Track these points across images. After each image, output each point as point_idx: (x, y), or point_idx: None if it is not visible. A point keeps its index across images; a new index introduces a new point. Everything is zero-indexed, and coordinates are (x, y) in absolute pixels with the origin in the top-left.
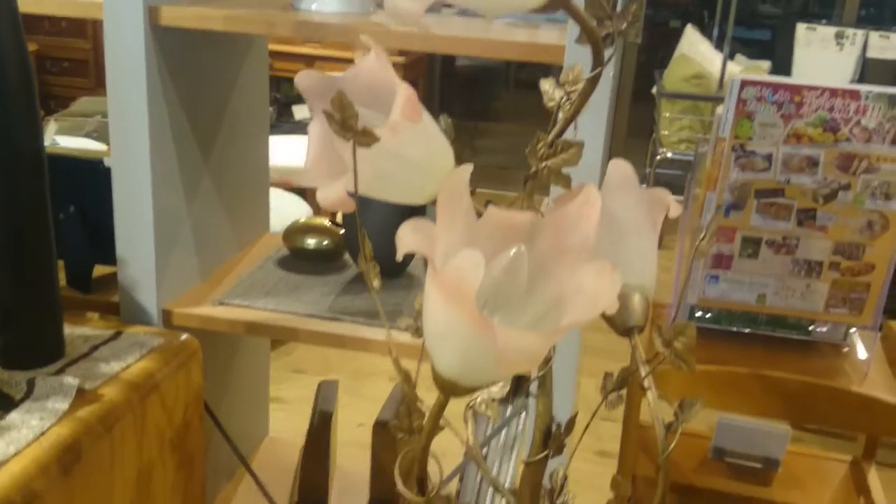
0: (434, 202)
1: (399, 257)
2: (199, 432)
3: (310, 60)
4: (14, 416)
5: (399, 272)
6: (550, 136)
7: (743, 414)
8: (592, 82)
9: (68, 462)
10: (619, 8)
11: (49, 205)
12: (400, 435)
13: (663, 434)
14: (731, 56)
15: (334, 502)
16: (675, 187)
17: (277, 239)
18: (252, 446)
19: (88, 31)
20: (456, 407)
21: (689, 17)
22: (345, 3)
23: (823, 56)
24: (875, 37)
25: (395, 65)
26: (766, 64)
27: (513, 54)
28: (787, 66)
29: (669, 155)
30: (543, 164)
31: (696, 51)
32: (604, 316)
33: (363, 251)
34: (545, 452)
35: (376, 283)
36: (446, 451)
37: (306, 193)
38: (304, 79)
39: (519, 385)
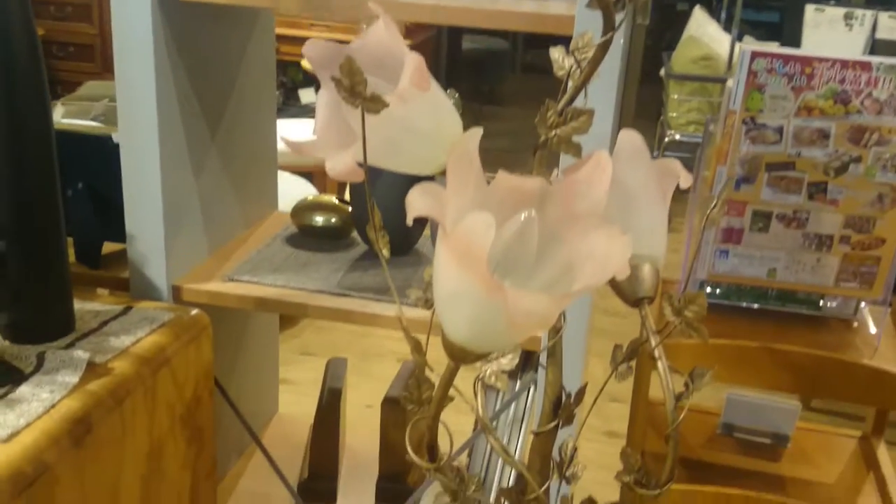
0: (442, 174)
1: (409, 221)
2: (210, 407)
3: None
4: (24, 389)
5: (407, 249)
6: (560, 104)
7: (753, 388)
8: (603, 48)
9: (79, 434)
10: None
11: (58, 181)
12: (410, 406)
13: (673, 403)
14: (739, 38)
15: (344, 480)
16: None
17: (286, 217)
18: (262, 423)
19: (94, 15)
20: (465, 386)
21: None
22: None
23: (832, 37)
24: (884, 17)
25: None
26: (774, 46)
27: (521, 25)
28: (795, 48)
29: (678, 137)
30: (553, 132)
31: (705, 32)
32: (614, 287)
33: (373, 220)
34: (555, 422)
35: (386, 251)
36: (455, 432)
37: (314, 177)
38: (312, 48)
39: (528, 360)
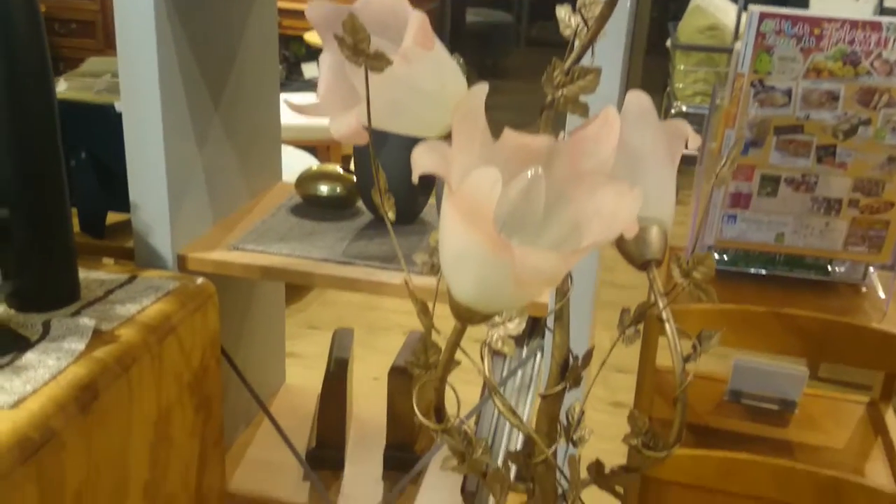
0: (447, 135)
1: (415, 178)
2: (217, 376)
3: None
4: (30, 356)
5: (412, 218)
6: (567, 63)
7: (761, 352)
8: (610, 5)
9: (86, 401)
10: None
11: (61, 150)
12: (417, 371)
13: (681, 365)
14: (745, 7)
15: (351, 449)
16: None
17: (290, 187)
18: (269, 393)
19: None
20: (472, 355)
21: None
22: None
23: (839, 6)
24: None
25: None
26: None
27: None
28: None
29: (684, 108)
30: (560, 91)
31: (711, 2)
32: (621, 250)
33: (378, 183)
34: (563, 384)
35: (391, 214)
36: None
37: (317, 151)
38: (314, 9)
39: (534, 327)
